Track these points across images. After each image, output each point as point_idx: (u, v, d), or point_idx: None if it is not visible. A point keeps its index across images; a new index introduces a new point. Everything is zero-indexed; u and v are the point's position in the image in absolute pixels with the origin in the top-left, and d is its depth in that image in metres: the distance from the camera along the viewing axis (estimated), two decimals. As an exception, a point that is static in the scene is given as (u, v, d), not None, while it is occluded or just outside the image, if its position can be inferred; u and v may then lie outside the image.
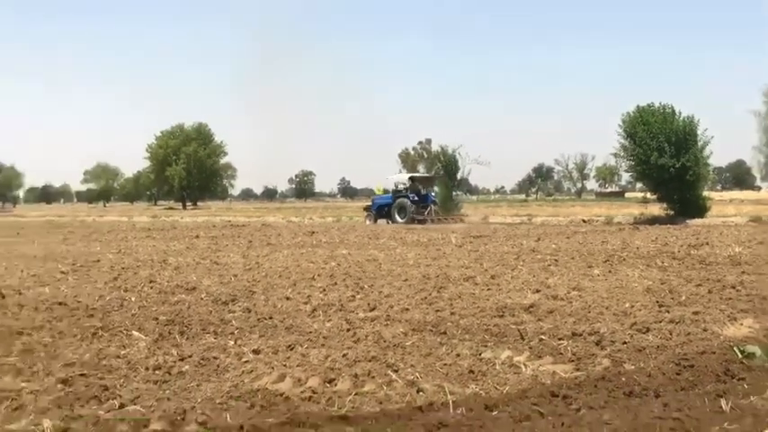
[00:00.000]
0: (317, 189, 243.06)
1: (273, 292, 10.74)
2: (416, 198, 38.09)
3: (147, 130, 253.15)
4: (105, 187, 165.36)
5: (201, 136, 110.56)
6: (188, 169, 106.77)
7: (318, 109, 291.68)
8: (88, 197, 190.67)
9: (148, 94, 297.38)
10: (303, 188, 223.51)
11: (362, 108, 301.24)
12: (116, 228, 35.23)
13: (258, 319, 8.59)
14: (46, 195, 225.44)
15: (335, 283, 11.69)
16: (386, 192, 41.62)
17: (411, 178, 40.32)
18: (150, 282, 12.09)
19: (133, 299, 10.19)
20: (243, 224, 38.50)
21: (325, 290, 10.94)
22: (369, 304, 9.55)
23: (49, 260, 16.35)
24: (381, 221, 38.36)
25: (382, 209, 39.19)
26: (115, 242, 23.29)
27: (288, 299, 10.12)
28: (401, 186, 39.78)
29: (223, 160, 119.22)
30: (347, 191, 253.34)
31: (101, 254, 17.97)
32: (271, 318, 8.67)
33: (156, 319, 8.66)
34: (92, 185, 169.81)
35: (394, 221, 37.48)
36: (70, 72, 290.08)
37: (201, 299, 10.21)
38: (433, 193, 39.89)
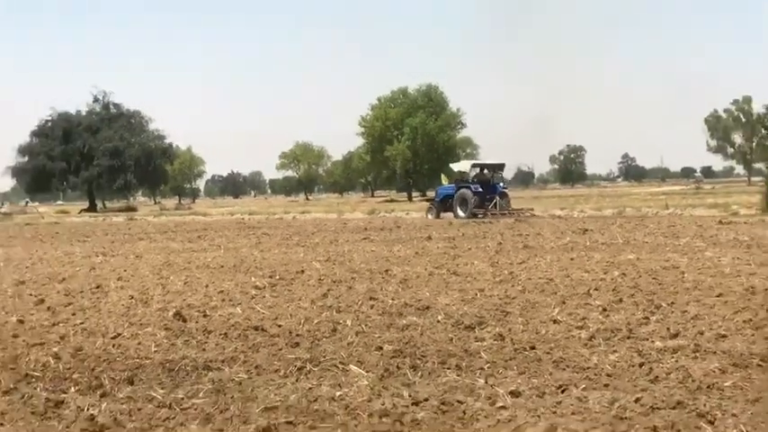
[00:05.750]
0: (589, 170, 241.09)
1: (535, 313, 10.82)
2: (480, 189, 44.00)
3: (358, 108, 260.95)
4: (308, 174, 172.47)
5: (432, 103, 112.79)
6: (414, 147, 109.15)
7: (586, 61, 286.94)
8: (286, 188, 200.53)
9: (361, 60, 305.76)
10: (569, 169, 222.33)
11: (652, 58, 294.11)
12: (323, 227, 36.86)
13: (515, 350, 8.70)
14: (232, 187, 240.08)
15: (620, 300, 11.60)
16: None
17: (475, 165, 48.42)
18: (370, 299, 12.52)
19: (349, 322, 10.60)
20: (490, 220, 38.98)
21: (606, 309, 10.88)
22: (669, 329, 9.41)
23: (239, 272, 17.36)
24: (447, 215, 44.62)
25: (446, 201, 45.82)
26: (322, 246, 24.35)
27: (555, 322, 10.16)
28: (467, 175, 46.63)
29: (461, 134, 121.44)
30: (632, 171, 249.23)
31: (305, 262, 18.84)
32: (533, 348, 8.75)
33: (381, 348, 8.98)
34: (290, 173, 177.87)
35: (456, 216, 43.61)
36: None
37: (438, 322, 10.46)
38: (501, 183, 46.45)
